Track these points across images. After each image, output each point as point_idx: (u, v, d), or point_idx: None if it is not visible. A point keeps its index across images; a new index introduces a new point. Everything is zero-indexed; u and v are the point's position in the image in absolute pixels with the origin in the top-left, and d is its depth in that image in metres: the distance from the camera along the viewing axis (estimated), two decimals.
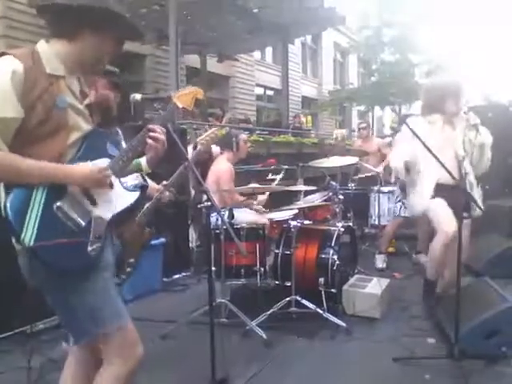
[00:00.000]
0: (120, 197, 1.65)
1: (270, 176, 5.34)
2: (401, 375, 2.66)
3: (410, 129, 2.92)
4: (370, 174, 5.80)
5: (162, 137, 1.73)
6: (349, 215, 5.48)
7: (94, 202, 1.57)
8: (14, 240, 1.47)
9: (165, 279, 4.46)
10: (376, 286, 3.63)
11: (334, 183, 4.60)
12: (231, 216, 3.64)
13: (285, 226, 3.84)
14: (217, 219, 3.50)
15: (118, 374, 1.61)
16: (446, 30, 28.70)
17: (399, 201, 5.08)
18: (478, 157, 3.44)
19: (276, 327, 3.24)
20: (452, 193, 3.08)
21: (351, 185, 5.73)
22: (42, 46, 1.55)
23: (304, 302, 3.41)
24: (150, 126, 1.71)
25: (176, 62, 8.39)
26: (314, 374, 2.72)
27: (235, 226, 3.50)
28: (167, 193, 2.38)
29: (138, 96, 2.01)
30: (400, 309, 3.68)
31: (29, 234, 1.41)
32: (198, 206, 2.76)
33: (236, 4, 9.34)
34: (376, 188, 5.40)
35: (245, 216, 3.87)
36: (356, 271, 4.24)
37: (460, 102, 3.43)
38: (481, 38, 38.57)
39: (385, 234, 5.13)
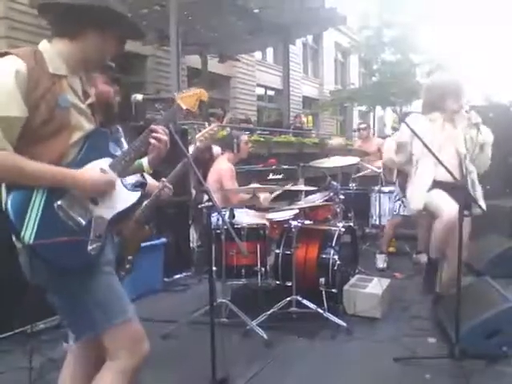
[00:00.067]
0: (121, 196, 1.65)
1: (271, 176, 5.35)
2: (401, 375, 2.66)
3: (409, 127, 2.92)
4: (369, 172, 5.78)
5: (165, 137, 1.73)
6: (350, 215, 5.48)
7: (95, 202, 1.57)
8: (14, 238, 1.48)
9: (166, 279, 4.46)
10: (377, 286, 3.63)
11: (334, 183, 4.60)
12: (232, 216, 3.64)
13: (285, 226, 3.84)
14: (218, 219, 3.50)
15: (124, 367, 1.60)
16: (446, 30, 28.78)
17: (398, 199, 5.09)
18: (478, 155, 3.44)
19: (276, 327, 3.24)
20: (452, 190, 3.08)
21: (352, 185, 5.73)
22: (45, 46, 1.56)
23: (305, 301, 3.41)
24: (153, 127, 1.72)
25: (177, 62, 8.39)
26: (315, 374, 2.72)
27: (236, 226, 3.50)
28: (166, 189, 2.38)
29: (139, 96, 2.00)
30: (401, 309, 3.68)
31: (29, 232, 1.41)
32: (199, 206, 2.76)
33: (237, 4, 9.34)
34: (377, 188, 5.40)
35: (245, 216, 3.87)
36: (357, 271, 4.24)
37: (460, 100, 3.43)
38: (482, 38, 38.63)
39: (385, 233, 5.14)
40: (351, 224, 4.42)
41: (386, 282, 3.76)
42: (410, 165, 3.57)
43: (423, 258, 4.51)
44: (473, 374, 2.50)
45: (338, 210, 4.47)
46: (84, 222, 1.52)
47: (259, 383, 2.64)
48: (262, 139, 8.21)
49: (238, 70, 15.31)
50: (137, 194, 1.71)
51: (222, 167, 4.14)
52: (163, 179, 2.38)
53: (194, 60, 12.41)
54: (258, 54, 16.49)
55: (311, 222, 4.15)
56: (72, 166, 1.53)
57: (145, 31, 1.97)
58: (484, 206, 3.31)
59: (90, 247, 1.52)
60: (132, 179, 1.75)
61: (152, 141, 1.71)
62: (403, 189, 4.16)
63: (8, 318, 2.98)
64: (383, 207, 5.32)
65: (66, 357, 1.86)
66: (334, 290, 3.57)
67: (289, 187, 4.31)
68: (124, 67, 2.53)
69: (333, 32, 18.67)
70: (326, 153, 5.26)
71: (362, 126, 6.64)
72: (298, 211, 3.90)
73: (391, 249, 5.33)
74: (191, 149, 2.69)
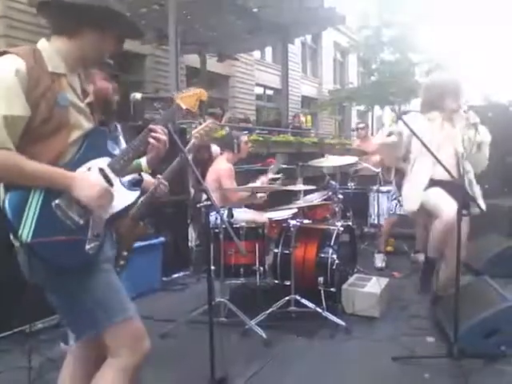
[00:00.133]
0: (119, 196, 1.64)
1: (270, 175, 5.34)
2: (400, 374, 2.67)
3: (406, 124, 2.92)
4: (367, 171, 5.77)
5: (164, 137, 1.73)
6: (348, 214, 5.48)
7: None
8: (12, 237, 1.47)
9: (164, 278, 4.46)
10: (375, 285, 3.64)
11: (333, 183, 4.61)
12: (230, 215, 3.64)
13: (284, 225, 3.84)
14: (216, 218, 3.50)
15: (126, 365, 1.60)
16: (445, 30, 28.79)
17: (394, 199, 5.10)
18: (475, 154, 3.44)
19: (275, 326, 3.24)
20: (450, 189, 3.09)
21: (350, 184, 5.73)
22: (43, 45, 1.55)
23: (303, 301, 3.41)
24: (152, 126, 1.71)
25: (176, 61, 8.37)
26: (314, 373, 2.73)
27: (234, 225, 3.50)
28: (162, 186, 2.37)
29: (138, 95, 2.00)
30: (399, 308, 3.68)
31: (26, 231, 1.41)
32: (198, 205, 2.76)
33: (236, 4, 9.32)
34: (375, 187, 5.40)
35: (244, 215, 3.88)
36: (355, 270, 4.24)
37: (459, 99, 3.43)
38: (481, 38, 38.63)
39: (383, 233, 5.14)
40: (350, 223, 4.43)
41: (384, 281, 3.77)
42: (406, 162, 3.57)
43: (421, 257, 4.51)
44: (471, 374, 2.51)
45: (337, 209, 4.48)
46: (82, 221, 1.52)
47: (258, 382, 2.64)
48: (260, 138, 8.19)
49: (236, 69, 15.29)
50: (135, 194, 1.71)
51: (221, 167, 4.14)
52: (158, 176, 2.37)
53: (193, 59, 12.39)
54: (256, 54, 16.47)
55: (310, 222, 4.16)
56: (70, 165, 1.52)
57: (144, 30, 1.97)
58: (483, 206, 3.32)
59: (87, 246, 1.52)
60: (128, 176, 1.75)
61: (151, 140, 1.70)
62: (400, 188, 4.17)
63: (7, 317, 2.98)
64: (382, 207, 5.32)
65: (64, 356, 1.86)
66: (332, 289, 3.58)
67: (283, 187, 4.28)
68: (123, 66, 2.52)
69: (332, 31, 18.64)
70: (324, 151, 5.27)
71: (361, 125, 6.67)
72: (296, 210, 3.90)
73: (389, 248, 5.35)
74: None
